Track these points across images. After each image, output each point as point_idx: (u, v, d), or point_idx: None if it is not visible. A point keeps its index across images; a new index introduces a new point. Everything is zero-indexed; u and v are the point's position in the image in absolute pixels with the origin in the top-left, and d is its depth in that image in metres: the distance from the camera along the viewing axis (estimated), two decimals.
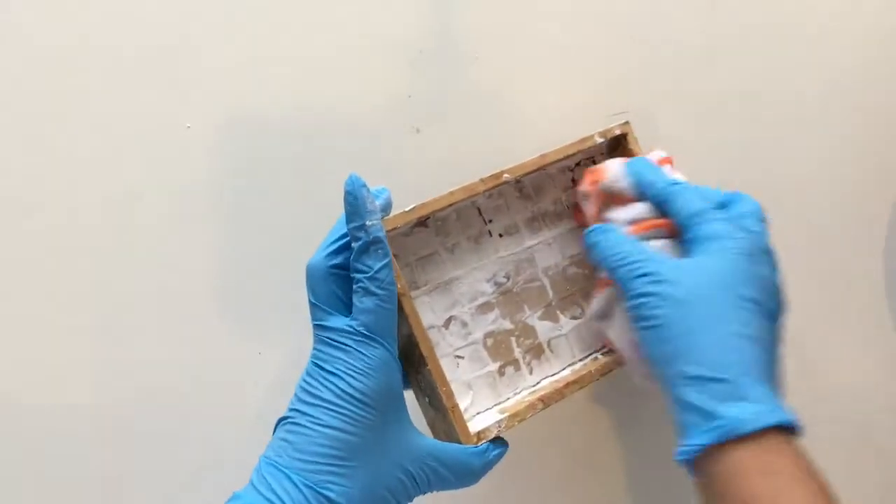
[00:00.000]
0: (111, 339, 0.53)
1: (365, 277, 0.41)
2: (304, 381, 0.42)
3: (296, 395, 0.42)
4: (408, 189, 0.54)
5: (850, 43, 0.55)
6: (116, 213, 0.54)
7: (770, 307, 0.42)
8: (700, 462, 0.39)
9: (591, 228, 0.46)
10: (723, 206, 0.45)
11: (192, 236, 0.54)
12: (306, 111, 0.54)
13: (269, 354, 0.54)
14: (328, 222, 0.54)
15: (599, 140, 0.50)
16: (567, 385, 0.48)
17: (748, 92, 0.55)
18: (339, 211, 0.54)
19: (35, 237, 0.53)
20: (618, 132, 0.50)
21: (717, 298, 0.40)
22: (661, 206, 0.45)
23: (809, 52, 0.55)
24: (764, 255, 0.43)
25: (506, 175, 0.49)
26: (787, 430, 0.38)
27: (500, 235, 0.51)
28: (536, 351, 0.51)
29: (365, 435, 0.40)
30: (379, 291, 0.41)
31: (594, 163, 0.52)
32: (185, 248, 0.54)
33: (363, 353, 0.41)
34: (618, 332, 0.46)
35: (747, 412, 0.38)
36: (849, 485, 0.55)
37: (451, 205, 0.47)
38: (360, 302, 0.41)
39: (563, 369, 0.51)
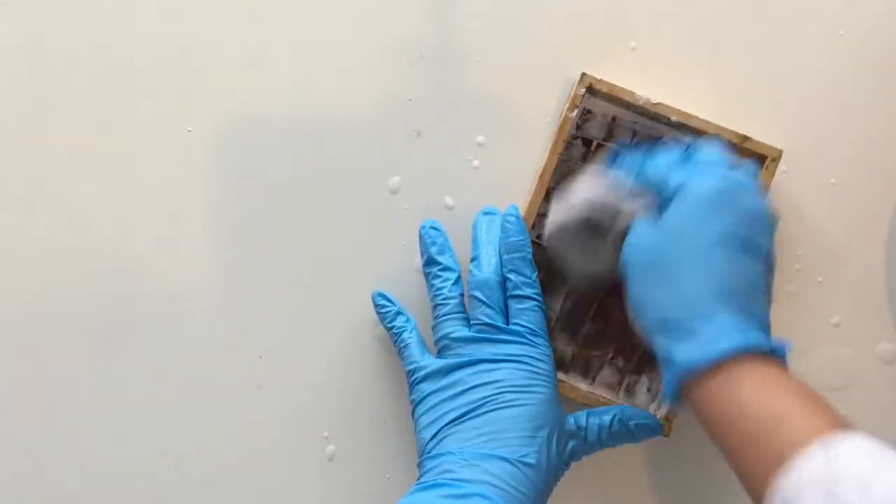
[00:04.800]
0: (110, 343, 0.54)
1: (531, 285, 0.49)
2: (486, 372, 0.47)
3: (484, 385, 0.47)
4: (408, 192, 0.54)
5: (850, 42, 0.55)
6: (117, 217, 0.54)
7: (739, 241, 0.43)
8: (686, 398, 0.43)
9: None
10: (687, 157, 0.47)
11: (193, 239, 0.54)
12: (307, 114, 0.54)
13: (270, 357, 0.54)
14: (329, 225, 0.54)
15: (754, 152, 0.51)
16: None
17: (747, 91, 0.55)
18: (340, 213, 0.54)
19: (35, 240, 0.53)
20: (766, 154, 0.51)
21: (681, 246, 0.43)
22: (645, 185, 0.48)
23: (809, 51, 0.55)
24: (726, 191, 0.44)
25: (674, 118, 0.50)
26: (764, 356, 0.41)
27: None
28: None
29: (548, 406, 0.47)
30: (538, 297, 0.49)
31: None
32: (186, 251, 0.54)
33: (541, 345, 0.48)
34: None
35: (697, 347, 0.41)
36: None
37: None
38: (523, 304, 0.48)
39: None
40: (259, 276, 0.54)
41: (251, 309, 0.54)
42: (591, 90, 0.51)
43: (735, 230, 0.43)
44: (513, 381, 0.46)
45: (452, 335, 0.48)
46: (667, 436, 0.51)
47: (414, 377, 0.49)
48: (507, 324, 0.48)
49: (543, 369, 0.47)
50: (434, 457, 0.46)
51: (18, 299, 0.53)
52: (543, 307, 0.49)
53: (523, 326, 0.48)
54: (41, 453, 0.53)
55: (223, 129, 0.54)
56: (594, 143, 0.53)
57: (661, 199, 0.46)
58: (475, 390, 0.46)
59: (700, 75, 0.54)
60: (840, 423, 0.38)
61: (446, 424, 0.46)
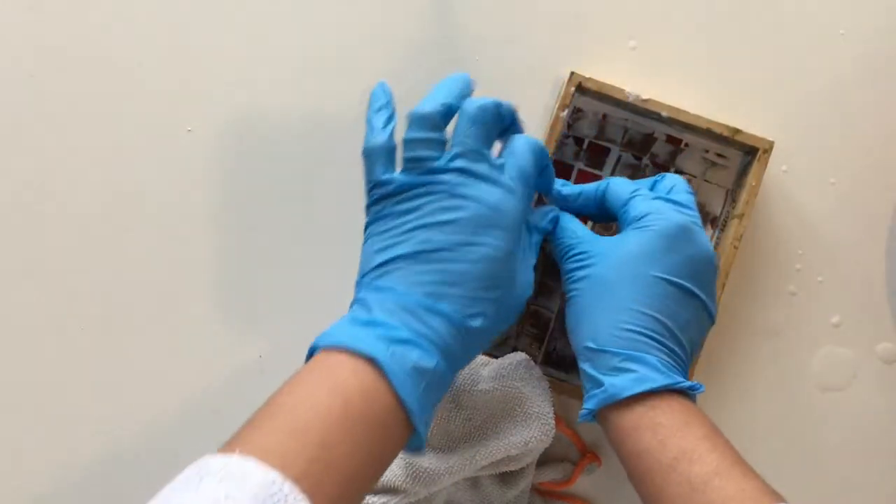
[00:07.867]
0: (110, 341, 0.54)
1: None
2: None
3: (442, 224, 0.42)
4: None
5: (850, 41, 0.55)
6: (117, 215, 0.54)
7: (687, 284, 0.44)
8: (601, 422, 0.45)
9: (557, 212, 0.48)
10: (651, 187, 0.48)
11: (193, 239, 0.54)
12: (306, 113, 0.54)
13: (269, 357, 0.54)
14: (329, 224, 0.54)
15: (746, 144, 0.51)
16: None
17: (747, 92, 0.55)
18: (340, 213, 0.54)
19: (36, 240, 0.54)
20: (757, 146, 0.51)
21: (628, 276, 0.44)
22: (599, 203, 0.48)
23: (810, 51, 0.55)
24: (687, 232, 0.44)
25: (664, 113, 0.50)
26: (680, 392, 0.43)
27: None
28: None
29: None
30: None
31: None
32: (186, 251, 0.54)
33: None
34: None
35: (626, 381, 0.42)
36: (856, 487, 0.55)
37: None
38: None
39: None
40: (258, 276, 0.54)
41: (250, 308, 0.54)
42: (581, 88, 0.51)
43: (682, 270, 0.44)
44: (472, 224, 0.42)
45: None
46: None
47: (373, 194, 0.43)
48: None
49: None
50: (377, 289, 0.41)
51: (19, 298, 0.53)
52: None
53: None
54: (39, 452, 0.53)
55: (223, 129, 0.54)
56: (586, 142, 0.53)
57: (621, 225, 0.46)
58: (433, 229, 0.41)
59: (700, 75, 0.54)
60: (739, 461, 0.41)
61: (398, 257, 0.41)
